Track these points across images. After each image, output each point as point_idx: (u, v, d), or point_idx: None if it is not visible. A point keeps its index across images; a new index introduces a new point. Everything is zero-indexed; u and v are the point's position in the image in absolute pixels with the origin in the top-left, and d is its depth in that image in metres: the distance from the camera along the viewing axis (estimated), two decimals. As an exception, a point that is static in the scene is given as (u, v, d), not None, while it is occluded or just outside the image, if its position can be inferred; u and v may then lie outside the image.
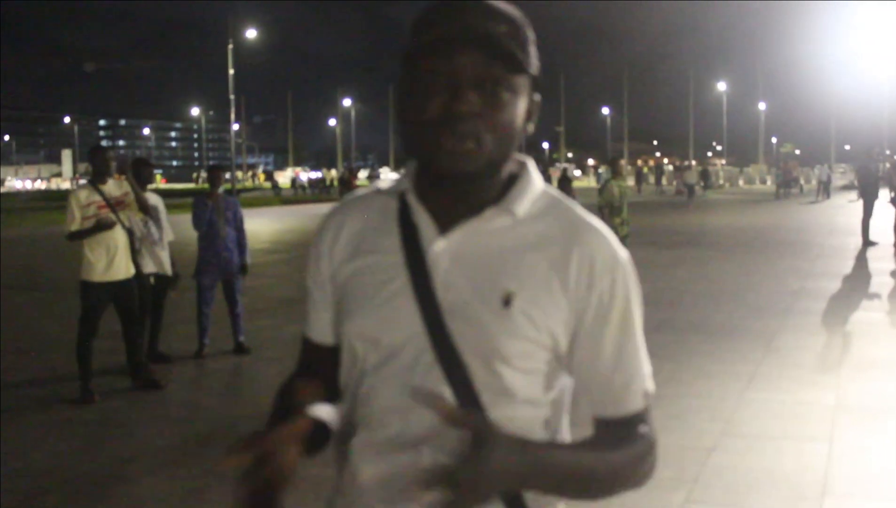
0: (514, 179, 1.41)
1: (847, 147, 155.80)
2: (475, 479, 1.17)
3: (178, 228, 9.25)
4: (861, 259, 17.17)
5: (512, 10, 1.34)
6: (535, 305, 1.33)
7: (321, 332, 1.52)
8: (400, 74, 1.36)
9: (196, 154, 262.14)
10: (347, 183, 37.33)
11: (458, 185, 1.35)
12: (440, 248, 1.37)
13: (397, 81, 1.37)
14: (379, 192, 1.48)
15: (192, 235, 9.00)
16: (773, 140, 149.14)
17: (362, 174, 70.97)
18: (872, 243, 19.28)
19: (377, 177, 41.89)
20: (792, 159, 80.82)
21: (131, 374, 7.66)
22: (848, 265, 16.18)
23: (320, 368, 1.52)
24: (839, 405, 6.77)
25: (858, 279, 14.31)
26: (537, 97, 1.39)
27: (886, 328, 10.15)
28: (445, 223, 1.38)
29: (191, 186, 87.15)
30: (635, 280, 1.41)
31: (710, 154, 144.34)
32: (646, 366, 1.43)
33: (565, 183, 27.91)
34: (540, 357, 1.36)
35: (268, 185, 79.56)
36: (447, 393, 1.32)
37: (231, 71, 59.02)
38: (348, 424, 1.45)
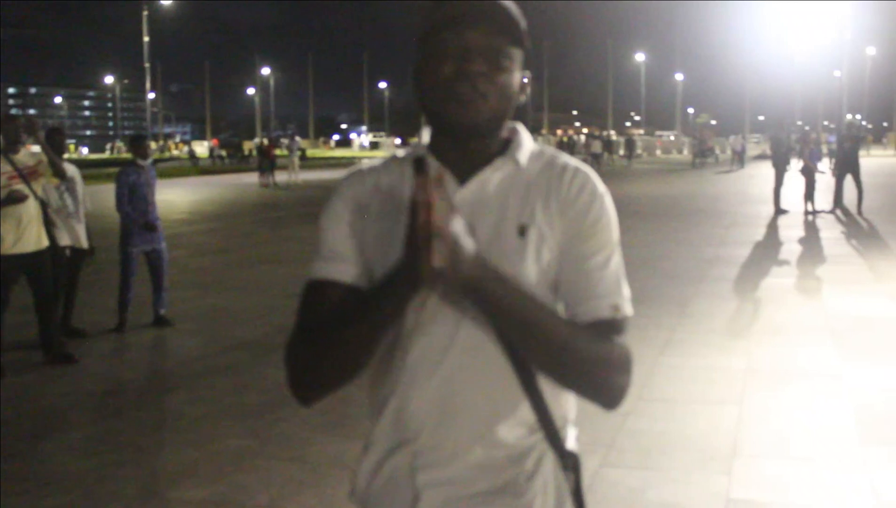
0: (510, 140, 1.65)
1: (761, 117, 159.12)
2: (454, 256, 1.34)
3: (95, 197, 9.05)
4: (773, 227, 17.63)
5: None
6: (543, 230, 1.57)
7: (350, 274, 1.60)
8: (417, 49, 1.59)
9: (111, 123, 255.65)
10: (266, 152, 36.88)
11: (468, 136, 1.57)
12: (461, 197, 1.56)
13: (419, 52, 1.59)
14: (395, 158, 1.69)
15: (108, 205, 8.80)
16: (690, 111, 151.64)
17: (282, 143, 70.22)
18: (783, 211, 19.81)
19: (296, 147, 41.28)
20: (707, 129, 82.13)
21: (43, 348, 7.50)
22: (760, 233, 16.61)
23: (337, 304, 1.59)
24: (749, 368, 6.97)
25: (770, 247, 14.70)
26: (528, 74, 1.64)
27: (795, 293, 10.46)
28: (462, 177, 1.59)
29: (105, 155, 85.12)
30: (613, 210, 1.63)
31: (628, 124, 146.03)
32: (621, 287, 1.60)
33: None
34: (551, 278, 1.57)
35: (185, 155, 78.15)
36: (485, 327, 1.53)
37: (146, 38, 57.74)
38: (391, 366, 1.60)
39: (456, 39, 1.53)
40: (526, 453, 1.59)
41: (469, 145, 1.59)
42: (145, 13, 60.73)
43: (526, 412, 1.58)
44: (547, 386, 1.58)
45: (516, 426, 1.58)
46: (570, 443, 1.65)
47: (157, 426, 5.89)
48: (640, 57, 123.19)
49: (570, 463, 1.63)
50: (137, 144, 9.01)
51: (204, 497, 4.69)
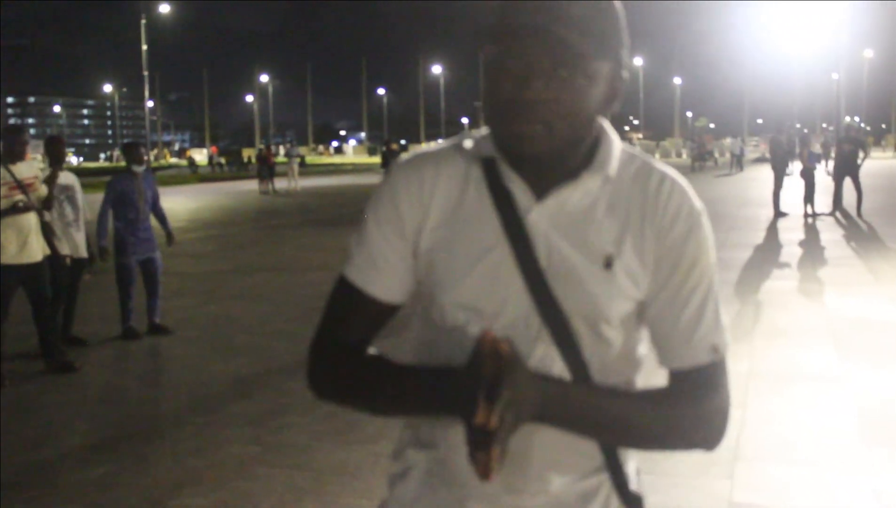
0: (597, 143, 1.42)
1: (759, 121, 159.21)
2: (510, 400, 1.20)
3: (94, 207, 9.04)
4: (772, 230, 17.62)
5: None
6: (632, 262, 1.37)
7: (389, 290, 1.45)
8: (481, 51, 1.35)
9: (110, 132, 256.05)
10: (265, 160, 36.91)
11: (534, 166, 1.36)
12: (538, 214, 1.37)
13: (481, 58, 1.37)
14: (460, 149, 1.45)
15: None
16: (689, 114, 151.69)
17: (281, 151, 70.23)
18: (783, 214, 19.81)
19: (295, 154, 41.31)
20: (706, 133, 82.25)
21: (44, 357, 7.48)
22: (760, 236, 16.59)
23: (369, 321, 1.47)
24: (751, 372, 6.96)
25: (770, 250, 14.69)
26: (625, 74, 1.38)
27: (796, 296, 10.45)
28: (538, 189, 1.38)
29: (100, 164, 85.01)
30: (710, 232, 1.43)
31: (626, 128, 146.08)
32: (719, 320, 1.41)
33: (394, 157, 27.98)
34: (635, 313, 1.41)
35: (185, 162, 78.18)
36: (556, 359, 1.37)
37: (144, 47, 57.76)
38: None
39: (515, 56, 1.27)
40: (590, 496, 1.45)
41: (544, 164, 1.36)
42: (144, 22, 60.78)
43: (590, 446, 1.43)
44: None
45: (578, 465, 1.44)
46: (633, 483, 1.50)
47: (158, 435, 5.87)
48: (638, 61, 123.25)
49: (634, 506, 1.49)
50: (131, 150, 8.96)
51: (206, 505, 4.68)
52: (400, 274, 1.44)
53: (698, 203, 1.43)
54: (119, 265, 8.65)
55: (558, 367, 1.37)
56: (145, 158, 9.04)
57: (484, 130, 1.44)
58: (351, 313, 1.46)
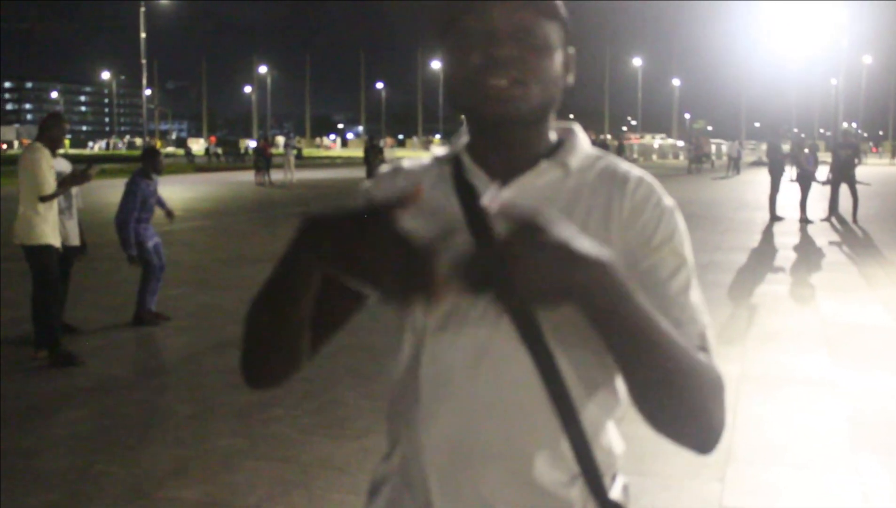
0: (562, 141, 1.45)
1: (757, 124, 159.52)
2: (523, 263, 1.09)
3: (86, 195, 9.00)
4: (768, 233, 17.63)
5: None
6: None
7: None
8: (442, 39, 1.39)
9: (107, 119, 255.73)
10: (262, 151, 36.85)
11: (507, 132, 1.37)
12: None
13: (441, 48, 1.40)
14: (436, 158, 1.49)
15: (100, 202, 8.75)
16: (687, 116, 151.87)
17: (279, 141, 70.28)
18: (779, 218, 19.82)
19: (293, 146, 41.30)
20: (703, 135, 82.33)
21: (35, 345, 7.43)
22: (755, 239, 16.59)
23: (327, 296, 1.37)
24: (743, 375, 6.95)
25: (765, 253, 14.69)
26: (571, 50, 1.43)
27: (790, 300, 10.44)
28: (501, 180, 1.39)
29: (100, 151, 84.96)
30: (682, 225, 1.40)
31: (624, 128, 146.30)
32: (703, 313, 1.36)
33: (376, 152, 28.09)
34: None
35: (181, 152, 78.13)
36: (517, 343, 1.31)
37: (143, 35, 57.67)
38: (405, 389, 1.41)
39: (479, 23, 1.33)
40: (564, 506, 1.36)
41: (509, 142, 1.39)
42: (143, 10, 60.65)
43: (565, 451, 1.34)
44: (590, 420, 1.35)
45: (553, 469, 1.34)
46: (616, 492, 1.41)
47: (147, 425, 5.84)
48: (637, 62, 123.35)
49: None
50: (153, 157, 8.94)
51: (192, 497, 4.65)
52: None
53: (668, 200, 1.40)
54: (142, 260, 8.67)
55: (521, 353, 1.31)
56: (163, 165, 9.12)
57: (456, 139, 1.48)
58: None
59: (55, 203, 7.39)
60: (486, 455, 1.34)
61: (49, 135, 7.41)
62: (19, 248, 7.40)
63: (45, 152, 7.30)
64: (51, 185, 7.26)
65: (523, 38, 1.33)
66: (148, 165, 8.86)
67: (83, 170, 7.54)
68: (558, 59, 1.38)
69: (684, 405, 1.27)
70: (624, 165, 1.44)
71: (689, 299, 1.35)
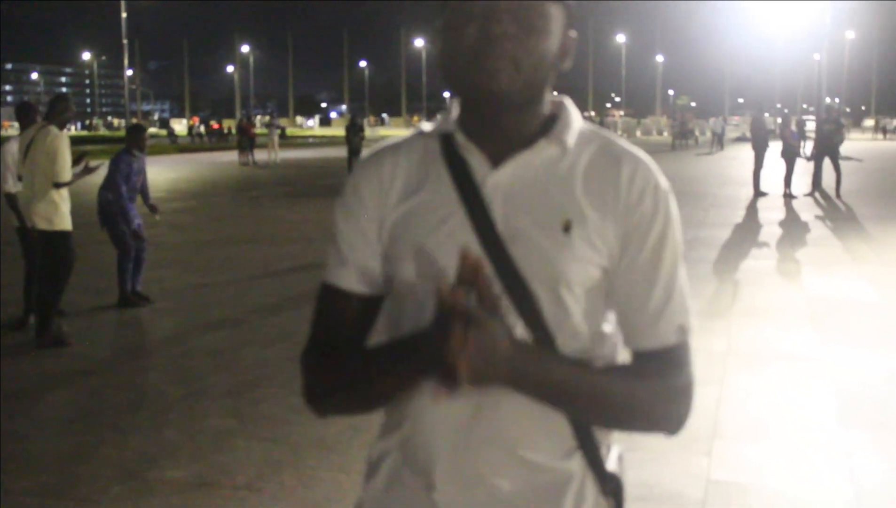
0: (555, 117, 1.43)
1: (741, 100, 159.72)
2: (477, 352, 1.20)
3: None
4: (752, 209, 17.70)
5: None
6: (591, 229, 1.35)
7: (362, 279, 1.45)
8: (438, 13, 1.39)
9: (88, 100, 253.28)
10: (245, 131, 36.67)
11: (499, 110, 1.35)
12: (494, 180, 1.37)
13: (438, 23, 1.39)
14: (421, 134, 1.48)
15: (86, 183, 8.69)
16: (671, 92, 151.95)
17: (258, 122, 69.90)
18: (763, 194, 19.90)
19: (275, 125, 41.09)
20: (688, 111, 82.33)
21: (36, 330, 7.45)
22: (739, 215, 16.66)
23: (353, 319, 1.46)
24: (729, 350, 6.99)
25: (749, 229, 14.76)
26: (573, 34, 1.42)
27: (775, 275, 10.50)
28: (496, 158, 1.38)
29: (82, 133, 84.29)
30: (676, 210, 1.42)
31: (608, 105, 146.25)
32: (685, 300, 1.40)
33: (356, 130, 28.11)
34: (598, 284, 1.37)
35: (164, 132, 77.59)
36: (517, 322, 1.33)
37: (124, 14, 57.16)
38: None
39: None
40: (564, 484, 1.40)
41: (503, 122, 1.37)
42: (123, -11, 59.98)
43: (562, 426, 1.39)
44: None
45: (551, 444, 1.39)
46: (612, 464, 1.46)
47: (136, 407, 5.84)
48: (620, 38, 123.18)
49: (610, 488, 1.44)
50: (137, 134, 8.91)
51: (183, 477, 4.66)
52: (370, 260, 1.44)
53: (664, 182, 1.42)
54: (121, 232, 8.61)
55: (521, 334, 1.34)
56: (147, 143, 9.08)
57: (445, 113, 1.47)
58: (333, 315, 1.46)
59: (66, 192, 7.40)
60: (486, 434, 1.37)
61: (60, 118, 7.44)
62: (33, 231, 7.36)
63: (66, 137, 7.35)
64: (70, 171, 7.30)
65: (522, 16, 1.31)
66: (131, 142, 8.83)
67: (87, 165, 7.81)
68: (556, 41, 1.36)
69: (634, 426, 1.40)
70: (620, 144, 1.43)
71: (674, 290, 1.39)
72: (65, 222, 7.29)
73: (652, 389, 1.36)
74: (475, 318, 1.20)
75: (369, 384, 1.39)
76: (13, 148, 8.03)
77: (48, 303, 7.28)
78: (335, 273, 1.46)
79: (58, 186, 7.21)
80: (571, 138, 1.40)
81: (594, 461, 1.41)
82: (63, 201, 7.28)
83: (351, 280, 1.44)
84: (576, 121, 1.44)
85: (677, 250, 1.40)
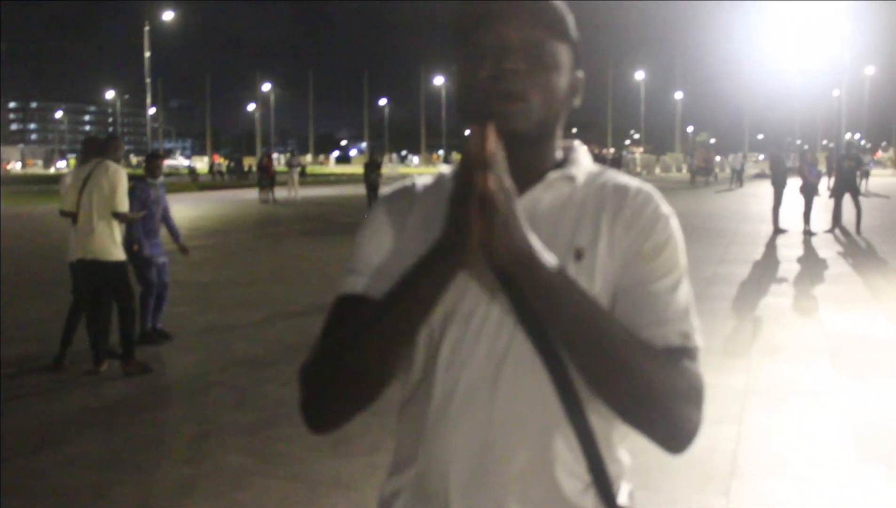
0: (565, 158, 1.51)
1: (760, 136, 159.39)
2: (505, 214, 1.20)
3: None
4: (771, 246, 17.64)
5: None
6: (601, 255, 1.40)
7: (371, 287, 1.45)
8: (453, 48, 1.45)
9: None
10: (266, 168, 36.91)
11: (513, 144, 1.34)
12: None
13: (453, 62, 1.46)
14: (441, 175, 1.55)
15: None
16: (690, 129, 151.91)
17: (281, 160, 70.35)
18: (782, 231, 19.83)
19: (297, 164, 41.37)
20: (706, 148, 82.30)
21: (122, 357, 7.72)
22: (759, 252, 16.61)
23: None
24: (748, 388, 6.96)
25: (768, 266, 14.71)
26: (580, 74, 1.49)
27: (794, 313, 10.46)
28: None
29: (51, 172, 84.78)
30: (679, 232, 1.46)
31: (627, 142, 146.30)
32: (690, 315, 1.40)
33: (374, 167, 28.69)
34: (609, 308, 1.38)
35: (185, 170, 78.23)
36: (532, 353, 1.36)
37: (147, 53, 57.86)
38: (419, 404, 1.44)
39: (491, 37, 1.38)
40: None
41: (517, 158, 1.35)
42: (147, 28, 60.87)
43: (580, 460, 1.39)
44: (601, 428, 1.40)
45: (570, 478, 1.39)
46: (623, 499, 1.45)
47: (155, 443, 5.87)
48: (640, 75, 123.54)
49: None
50: (153, 162, 9.21)
51: (201, 514, 4.68)
52: (384, 273, 1.44)
53: (666, 207, 1.46)
54: (141, 262, 8.70)
55: (537, 365, 1.36)
56: (162, 170, 9.34)
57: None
58: (345, 321, 1.44)
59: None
60: (506, 467, 1.37)
61: (115, 155, 7.91)
62: (85, 263, 7.59)
63: (124, 171, 7.77)
64: (127, 203, 7.76)
65: (533, 53, 1.38)
66: (146, 169, 9.13)
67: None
68: (565, 79, 1.43)
69: (644, 406, 1.31)
70: (623, 177, 1.50)
71: (675, 298, 1.40)
72: (121, 253, 7.70)
73: (670, 371, 1.32)
74: (492, 192, 1.19)
75: (377, 327, 1.34)
76: (66, 182, 8.38)
77: (129, 331, 7.66)
78: (351, 283, 1.47)
79: (116, 216, 7.59)
80: (581, 174, 1.47)
81: (607, 496, 1.42)
82: (118, 232, 7.69)
83: (371, 285, 1.45)
84: (585, 161, 1.50)
85: (680, 265, 1.43)
